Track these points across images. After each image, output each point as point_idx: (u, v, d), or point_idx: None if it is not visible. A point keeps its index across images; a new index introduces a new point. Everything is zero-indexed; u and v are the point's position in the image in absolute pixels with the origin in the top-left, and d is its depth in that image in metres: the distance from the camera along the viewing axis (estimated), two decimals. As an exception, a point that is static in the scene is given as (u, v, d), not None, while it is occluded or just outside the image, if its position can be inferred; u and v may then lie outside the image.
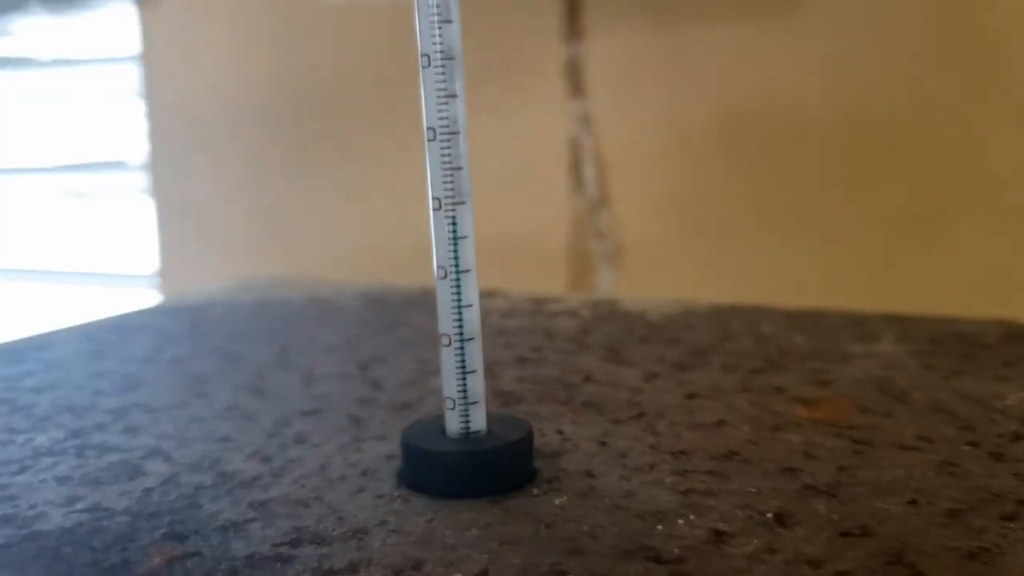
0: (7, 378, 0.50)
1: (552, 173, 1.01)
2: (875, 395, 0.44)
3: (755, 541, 0.29)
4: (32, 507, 0.33)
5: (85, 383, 0.49)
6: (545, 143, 1.01)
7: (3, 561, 0.29)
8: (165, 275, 1.25)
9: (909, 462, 0.35)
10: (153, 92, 1.22)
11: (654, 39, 0.96)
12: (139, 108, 1.22)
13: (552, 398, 0.45)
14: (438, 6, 0.33)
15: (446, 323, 0.35)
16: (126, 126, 1.30)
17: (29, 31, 1.39)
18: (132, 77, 1.24)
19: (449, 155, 0.34)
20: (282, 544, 0.30)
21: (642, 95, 0.98)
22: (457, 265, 0.34)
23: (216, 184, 1.20)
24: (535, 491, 0.34)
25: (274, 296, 0.71)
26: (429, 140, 0.34)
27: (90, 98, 1.39)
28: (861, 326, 0.57)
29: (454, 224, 0.34)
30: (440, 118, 0.34)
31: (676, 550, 0.29)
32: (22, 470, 0.37)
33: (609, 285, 1.02)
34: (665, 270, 0.99)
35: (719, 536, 0.30)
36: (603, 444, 0.38)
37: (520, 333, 0.58)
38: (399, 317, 0.63)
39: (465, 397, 0.35)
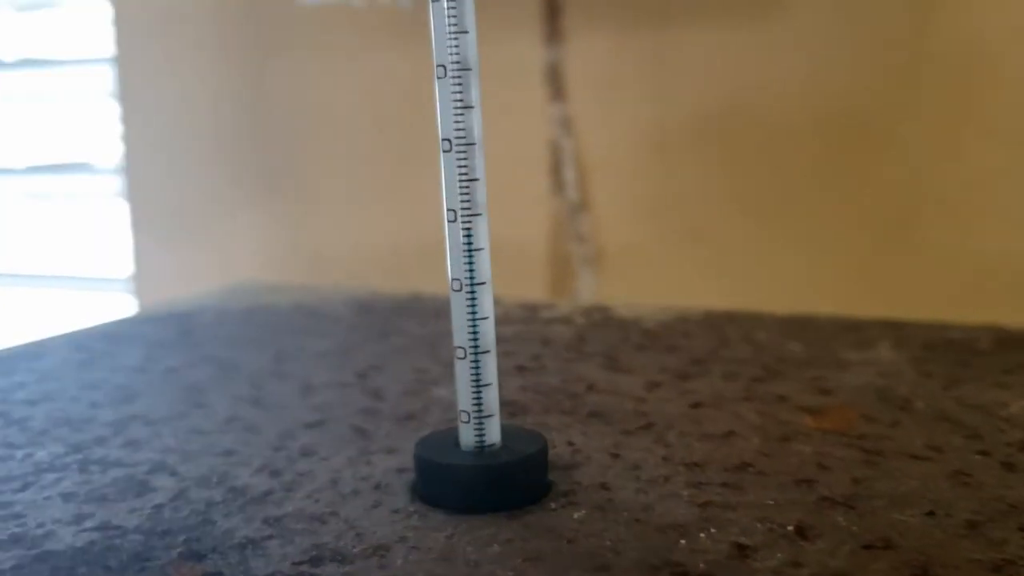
0: (-3, 389, 0.49)
1: (532, 176, 1.01)
2: (878, 404, 0.44)
3: (779, 555, 0.29)
4: (40, 526, 0.33)
5: (80, 394, 0.48)
6: (525, 146, 1.00)
7: (16, 583, 0.29)
8: (139, 279, 1.23)
9: (922, 472, 0.36)
10: (128, 94, 1.20)
11: (635, 42, 0.96)
12: (113, 110, 1.21)
13: (557, 408, 0.44)
14: (454, 16, 0.33)
15: (461, 336, 0.34)
16: (100, 128, 1.28)
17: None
18: (106, 79, 1.23)
19: (465, 166, 0.33)
20: (303, 562, 0.29)
21: (623, 98, 0.98)
22: (472, 277, 0.34)
23: (192, 188, 1.18)
24: (552, 505, 0.33)
25: (262, 302, 0.70)
26: (445, 151, 0.33)
27: (64, 99, 1.37)
28: (855, 332, 0.58)
29: (470, 236, 0.34)
30: (456, 129, 0.33)
31: (702, 565, 0.29)
32: (25, 487, 0.36)
33: (590, 289, 1.02)
34: (646, 274, 0.99)
35: (742, 550, 0.30)
36: (615, 456, 0.38)
37: (516, 341, 0.58)
38: (391, 324, 0.63)
39: (480, 410, 0.34)
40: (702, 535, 0.31)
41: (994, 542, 0.30)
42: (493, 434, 0.35)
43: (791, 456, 0.38)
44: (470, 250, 0.34)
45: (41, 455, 0.40)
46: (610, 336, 0.58)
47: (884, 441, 0.39)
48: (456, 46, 0.33)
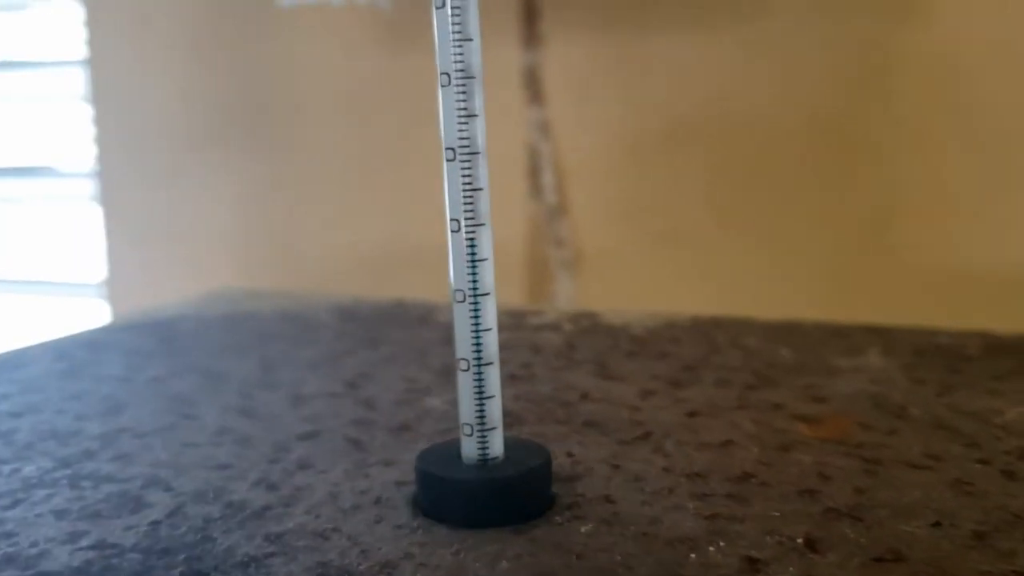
0: (-22, 401, 0.48)
1: (510, 180, 1.01)
2: (873, 411, 0.44)
3: (790, 568, 0.29)
4: (33, 545, 0.32)
5: (64, 406, 0.47)
6: (503, 150, 1.00)
7: (14, 605, 0.28)
8: (112, 285, 1.21)
9: (923, 481, 0.36)
10: (100, 96, 1.18)
11: (612, 46, 0.96)
12: (86, 113, 1.19)
13: (552, 418, 0.44)
14: (458, 23, 0.33)
15: (464, 347, 0.34)
16: (72, 131, 1.26)
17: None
18: (78, 81, 1.21)
19: (470, 176, 0.33)
20: (308, 581, 0.29)
21: (600, 102, 0.98)
22: (476, 288, 0.33)
23: (165, 192, 1.17)
24: (558, 519, 0.33)
25: (243, 309, 0.69)
26: (448, 160, 0.33)
27: (35, 102, 1.35)
28: (842, 339, 0.58)
29: (473, 246, 0.33)
30: (460, 138, 0.33)
31: (714, 580, 0.29)
32: (14, 504, 0.35)
33: (568, 293, 1.02)
34: (624, 278, 0.99)
35: (753, 564, 0.29)
36: (616, 467, 0.38)
37: (506, 348, 0.57)
38: (377, 332, 0.62)
39: (483, 423, 0.34)
40: (711, 549, 0.30)
41: (1003, 553, 0.30)
42: (496, 447, 0.34)
43: (791, 466, 0.37)
44: (473, 260, 0.33)
45: (29, 470, 0.39)
46: (599, 343, 0.58)
47: (882, 450, 0.39)
48: (460, 54, 0.33)
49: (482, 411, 0.34)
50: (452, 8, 0.33)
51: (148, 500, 0.35)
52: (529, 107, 1.00)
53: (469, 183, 0.33)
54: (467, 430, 0.34)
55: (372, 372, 0.53)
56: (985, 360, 0.52)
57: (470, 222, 0.33)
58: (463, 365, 0.34)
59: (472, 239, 0.33)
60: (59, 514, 0.34)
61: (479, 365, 0.34)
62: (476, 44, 0.33)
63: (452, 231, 0.33)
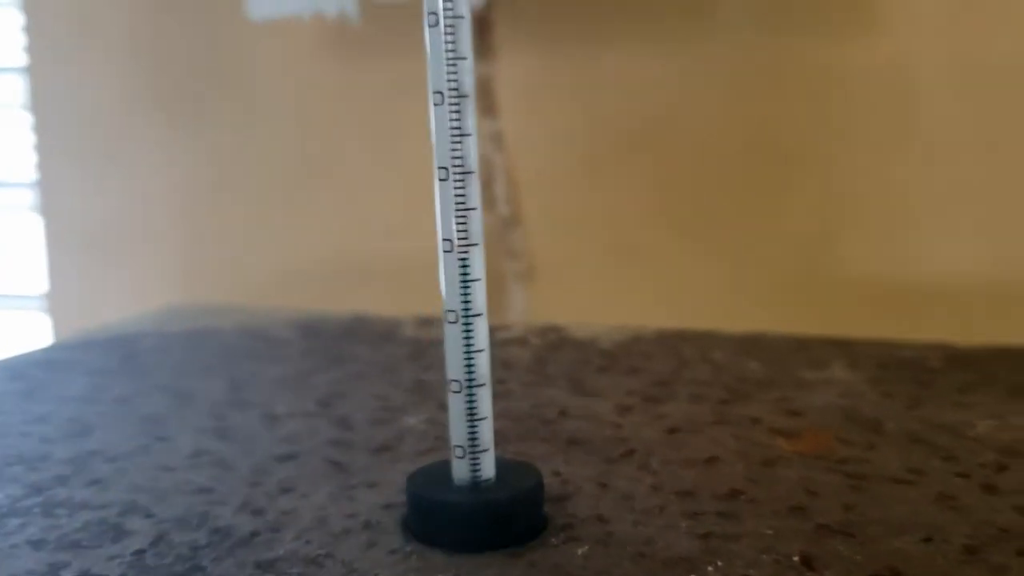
0: (-65, 424, 0.46)
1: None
2: (848, 425, 0.45)
3: (791, 588, 0.29)
4: (14, 578, 0.31)
5: (29, 429, 0.45)
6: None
7: (0, 644, 0.27)
8: (54, 297, 1.18)
9: (909, 497, 0.36)
10: (40, 104, 1.15)
11: (565, 59, 0.97)
12: (25, 121, 1.16)
13: (535, 436, 0.44)
14: (451, 42, 0.32)
15: (456, 369, 0.33)
16: (11, 140, 1.23)
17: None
18: (18, 89, 1.18)
19: (463, 195, 0.33)
20: (308, 611, 0.28)
21: (553, 114, 0.98)
22: (468, 309, 0.33)
23: (108, 201, 1.14)
24: (553, 540, 0.33)
25: (203, 325, 0.68)
26: (442, 180, 0.33)
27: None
28: (807, 352, 0.59)
29: (466, 266, 0.33)
30: (453, 157, 0.32)
31: (718, 601, 0.29)
32: (-12, 534, 0.34)
33: (522, 305, 1.02)
34: (578, 289, 1.00)
35: (754, 583, 0.30)
36: (604, 486, 0.38)
37: (476, 364, 0.57)
38: (342, 349, 0.62)
39: (476, 445, 0.34)
40: (710, 568, 0.30)
41: (996, 568, 0.30)
42: (488, 469, 0.34)
43: (778, 482, 0.38)
44: (467, 281, 0.33)
45: (-1, 498, 0.37)
46: (569, 358, 0.58)
47: (864, 464, 0.39)
48: (454, 72, 0.32)
49: (475, 433, 0.33)
50: (445, 26, 0.32)
51: (129, 527, 0.34)
52: (482, 119, 0.99)
53: (463, 203, 0.33)
54: (459, 452, 0.34)
55: (343, 391, 0.52)
56: (949, 373, 0.53)
57: (463, 242, 0.33)
58: (455, 387, 0.34)
59: (465, 259, 0.33)
60: (36, 544, 0.33)
61: (471, 386, 0.33)
62: (469, 63, 0.33)
63: (444, 251, 0.33)
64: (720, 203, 0.93)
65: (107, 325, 0.68)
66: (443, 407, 0.48)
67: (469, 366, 0.33)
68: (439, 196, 0.33)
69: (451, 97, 0.32)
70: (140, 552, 0.32)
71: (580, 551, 0.32)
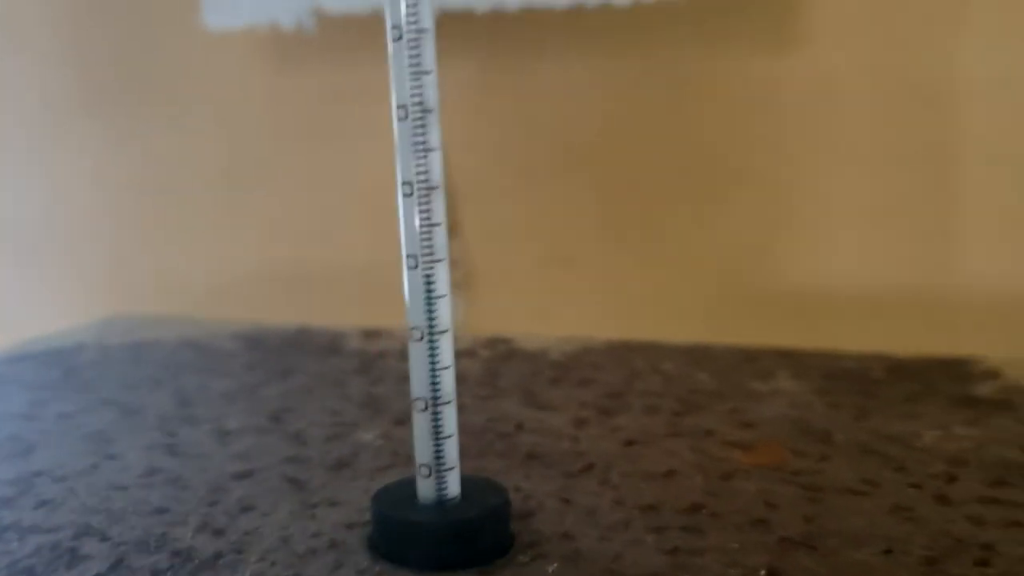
0: None
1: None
2: (799, 437, 0.45)
3: (760, 602, 0.30)
4: (-36, 608, 0.29)
5: (-33, 450, 0.44)
6: (392, 172, 0.99)
7: None
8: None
9: (865, 508, 0.37)
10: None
11: (504, 70, 0.97)
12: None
13: (492, 451, 0.44)
14: (416, 56, 0.32)
15: (421, 387, 0.33)
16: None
17: None
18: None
19: (428, 211, 0.32)
20: (277, 637, 0.28)
21: (492, 124, 0.98)
22: (433, 326, 0.33)
23: (34, 210, 1.11)
24: (521, 558, 0.33)
25: (143, 337, 0.66)
26: (406, 195, 0.32)
27: None
28: (753, 362, 0.59)
29: (431, 283, 0.33)
30: (418, 172, 0.32)
31: (689, 617, 0.29)
32: (-68, 562, 0.33)
33: (461, 315, 1.01)
34: (516, 300, 1.00)
35: (723, 599, 0.30)
36: (566, 501, 0.38)
37: (426, 377, 0.56)
38: (287, 361, 0.61)
39: (441, 464, 0.33)
40: (679, 584, 0.31)
41: (955, 579, 0.31)
42: (453, 487, 0.34)
43: (737, 495, 0.38)
44: (431, 298, 0.33)
45: (-59, 523, 0.36)
46: (520, 369, 0.58)
47: (819, 476, 0.40)
48: (418, 87, 0.32)
49: (440, 451, 0.33)
50: (408, 41, 0.32)
51: (84, 552, 0.33)
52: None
53: (427, 218, 0.32)
54: (424, 471, 0.33)
55: (293, 405, 0.51)
56: (892, 383, 0.54)
57: (427, 258, 0.33)
58: (420, 405, 0.33)
59: (430, 275, 0.33)
60: (-15, 572, 0.32)
61: (436, 404, 0.33)
62: (434, 77, 0.33)
63: (409, 267, 0.33)
64: (659, 214, 0.94)
65: (42, 337, 0.66)
66: (397, 422, 0.48)
67: (435, 384, 0.33)
68: (403, 212, 0.32)
69: (415, 111, 0.32)
70: (97, 578, 0.31)
71: (550, 569, 0.32)
